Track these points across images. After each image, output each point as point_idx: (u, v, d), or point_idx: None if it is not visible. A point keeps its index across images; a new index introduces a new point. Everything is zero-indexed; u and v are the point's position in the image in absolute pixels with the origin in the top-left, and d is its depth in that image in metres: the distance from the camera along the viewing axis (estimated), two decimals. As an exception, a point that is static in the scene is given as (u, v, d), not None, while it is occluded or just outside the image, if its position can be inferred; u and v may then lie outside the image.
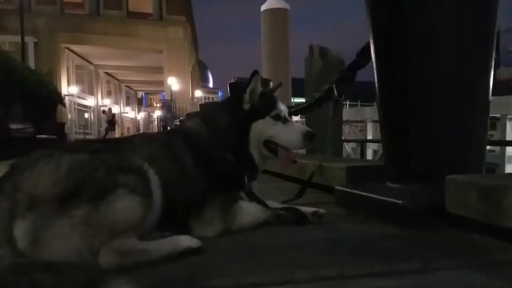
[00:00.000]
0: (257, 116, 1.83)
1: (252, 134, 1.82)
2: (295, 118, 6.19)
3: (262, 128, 1.83)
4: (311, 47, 5.35)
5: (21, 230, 1.14)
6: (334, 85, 3.01)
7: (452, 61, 1.95)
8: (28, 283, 0.88)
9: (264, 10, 8.66)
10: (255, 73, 1.85)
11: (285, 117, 1.88)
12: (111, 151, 1.46)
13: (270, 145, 1.85)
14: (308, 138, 1.83)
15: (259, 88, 1.87)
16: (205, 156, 1.74)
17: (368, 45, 2.36)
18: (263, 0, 8.68)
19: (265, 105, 1.85)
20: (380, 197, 1.91)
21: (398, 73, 2.06)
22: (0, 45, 13.57)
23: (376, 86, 2.19)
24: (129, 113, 44.33)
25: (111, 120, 25.17)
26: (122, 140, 1.78)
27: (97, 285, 0.88)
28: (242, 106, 1.85)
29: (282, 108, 1.88)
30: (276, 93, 2.09)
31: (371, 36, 2.22)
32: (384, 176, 2.22)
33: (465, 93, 1.97)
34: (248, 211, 1.75)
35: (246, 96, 1.84)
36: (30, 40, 22.15)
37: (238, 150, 1.82)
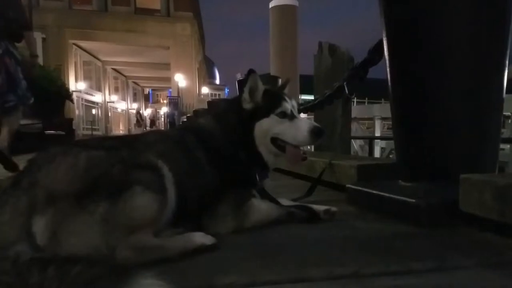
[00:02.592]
0: (261, 115, 1.83)
1: (256, 133, 1.83)
2: (303, 115, 6.18)
3: (267, 126, 1.83)
4: (320, 44, 5.33)
5: (40, 226, 1.15)
6: (345, 83, 3.00)
7: (468, 58, 1.94)
8: (55, 272, 0.89)
9: (272, 7, 8.65)
10: (251, 71, 1.84)
11: (292, 114, 1.86)
12: (127, 148, 1.47)
13: (278, 142, 1.85)
14: (316, 134, 1.81)
15: (260, 87, 1.86)
16: (218, 153, 1.74)
17: (381, 42, 2.35)
18: (271, -3, 8.67)
19: (270, 103, 1.85)
20: (393, 196, 1.90)
21: (412, 70, 2.05)
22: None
23: (389, 83, 2.19)
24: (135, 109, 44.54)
25: (153, 120, 26.35)
26: (136, 137, 1.79)
27: (119, 276, 0.89)
28: (243, 107, 1.85)
29: (289, 105, 1.87)
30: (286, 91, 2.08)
31: (384, 33, 2.21)
32: (396, 174, 2.21)
33: (480, 91, 1.96)
34: (260, 209, 1.75)
35: (246, 95, 1.85)
36: (38, 36, 22.18)
37: (247, 148, 1.82)
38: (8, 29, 3.91)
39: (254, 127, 1.83)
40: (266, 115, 1.83)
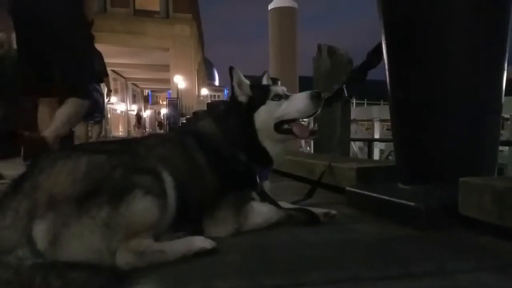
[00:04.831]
0: (258, 104, 1.84)
1: (258, 124, 1.82)
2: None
3: (267, 113, 1.83)
4: (319, 46, 5.33)
5: (41, 230, 1.15)
6: (344, 85, 3.01)
7: (467, 61, 1.94)
8: (57, 282, 0.89)
9: (271, 9, 8.65)
10: (231, 68, 1.86)
11: (285, 94, 1.87)
12: (127, 152, 1.47)
13: (283, 127, 1.84)
14: (316, 97, 1.81)
15: (245, 81, 1.88)
16: (218, 156, 1.75)
17: (380, 44, 2.36)
18: (270, -1, 8.68)
19: (261, 93, 1.86)
20: (392, 199, 1.91)
21: (411, 73, 2.06)
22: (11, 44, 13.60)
23: (388, 86, 2.19)
24: (135, 111, 44.51)
25: (160, 122, 26.45)
26: (137, 140, 1.80)
27: (119, 285, 0.90)
28: (238, 100, 1.86)
29: (278, 88, 1.89)
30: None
31: (383, 36, 2.21)
32: (395, 177, 2.22)
33: (479, 93, 1.97)
34: (260, 212, 1.76)
35: (236, 89, 1.86)
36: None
37: (250, 146, 1.82)
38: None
39: (254, 121, 1.82)
40: (262, 103, 1.83)
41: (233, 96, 1.89)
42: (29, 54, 3.34)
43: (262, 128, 1.83)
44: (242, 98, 1.86)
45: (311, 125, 2.23)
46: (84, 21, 3.48)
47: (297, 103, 1.83)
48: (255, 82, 1.98)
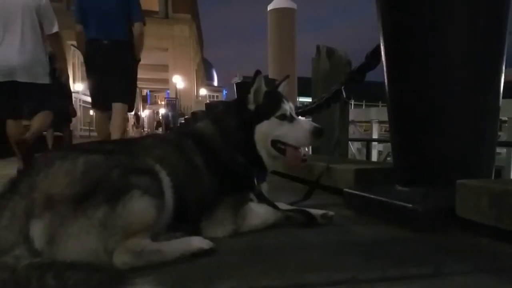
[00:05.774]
0: (262, 117, 1.85)
1: (257, 136, 1.84)
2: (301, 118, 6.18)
3: (268, 129, 1.84)
4: (318, 48, 5.33)
5: (38, 230, 1.15)
6: (342, 87, 3.01)
7: (465, 63, 1.95)
8: (54, 282, 0.89)
9: (271, 10, 8.66)
10: (258, 73, 1.86)
11: (291, 115, 1.88)
12: (124, 152, 1.47)
13: (278, 145, 1.86)
14: (316, 134, 1.84)
15: (263, 88, 1.88)
16: (216, 157, 1.75)
17: (378, 47, 2.36)
18: (270, 0, 8.68)
19: (270, 106, 1.86)
20: (390, 200, 1.91)
21: (409, 75, 2.06)
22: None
23: (387, 88, 2.19)
24: (134, 110, 44.42)
25: (159, 122, 26.44)
26: (134, 141, 1.79)
27: (117, 285, 0.89)
28: (247, 107, 1.86)
29: (288, 106, 1.88)
30: (283, 91, 2.08)
31: (381, 38, 2.22)
32: (393, 178, 2.22)
33: (477, 96, 1.97)
34: (258, 213, 1.76)
35: (251, 96, 1.86)
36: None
37: (247, 152, 1.83)
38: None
39: (254, 130, 1.84)
40: (267, 117, 1.84)
41: (243, 101, 1.88)
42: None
43: (261, 140, 1.85)
44: (252, 107, 1.86)
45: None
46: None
47: (298, 133, 1.85)
48: (271, 91, 1.97)
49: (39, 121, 4.35)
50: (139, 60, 4.88)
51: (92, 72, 4.74)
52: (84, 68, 4.83)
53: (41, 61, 4.37)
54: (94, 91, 4.83)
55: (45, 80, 4.37)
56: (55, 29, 4.57)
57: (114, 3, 4.49)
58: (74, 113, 9.22)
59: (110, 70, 4.45)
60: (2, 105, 4.27)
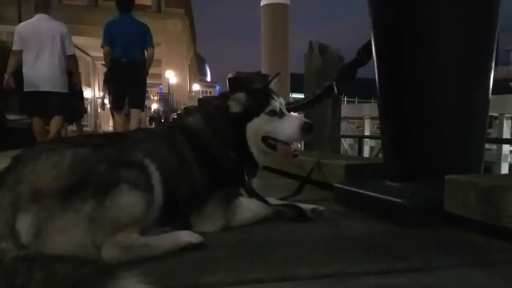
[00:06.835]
0: (251, 115, 1.84)
1: (248, 133, 1.84)
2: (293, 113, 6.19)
3: (258, 125, 1.84)
4: (310, 44, 5.34)
5: (24, 224, 1.14)
6: (334, 82, 3.02)
7: (455, 60, 1.96)
8: (41, 273, 0.89)
9: (264, 5, 8.65)
10: (232, 79, 1.85)
11: (281, 111, 1.88)
12: (113, 146, 1.46)
13: (269, 141, 1.86)
14: (306, 129, 1.83)
15: (241, 95, 1.86)
16: (206, 152, 1.74)
17: (369, 42, 2.37)
18: (263, -5, 8.67)
19: (258, 103, 1.86)
20: (380, 196, 1.92)
21: (399, 71, 2.07)
22: (-3, 36, 13.51)
23: (377, 84, 2.20)
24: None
25: (151, 117, 27.09)
26: (124, 134, 1.78)
27: (105, 279, 0.89)
28: (231, 111, 1.85)
29: (277, 102, 1.88)
30: (276, 88, 2.08)
31: (372, 34, 2.22)
32: (383, 174, 2.23)
33: (467, 92, 1.98)
34: (248, 207, 1.76)
35: (232, 104, 1.86)
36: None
37: (238, 147, 1.83)
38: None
39: (245, 128, 1.84)
40: (257, 114, 1.84)
41: (225, 106, 1.87)
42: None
43: (251, 136, 1.85)
44: (237, 110, 1.85)
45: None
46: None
47: (287, 128, 1.84)
48: (260, 89, 1.97)
49: (55, 124, 5.96)
50: (147, 74, 6.45)
51: (114, 83, 6.45)
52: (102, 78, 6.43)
53: (62, 76, 5.90)
54: (114, 97, 6.49)
55: (64, 89, 5.93)
56: (72, 51, 6.07)
57: (135, 34, 6.13)
58: (85, 111, 11.53)
59: (128, 82, 6.09)
60: (34, 106, 5.86)
